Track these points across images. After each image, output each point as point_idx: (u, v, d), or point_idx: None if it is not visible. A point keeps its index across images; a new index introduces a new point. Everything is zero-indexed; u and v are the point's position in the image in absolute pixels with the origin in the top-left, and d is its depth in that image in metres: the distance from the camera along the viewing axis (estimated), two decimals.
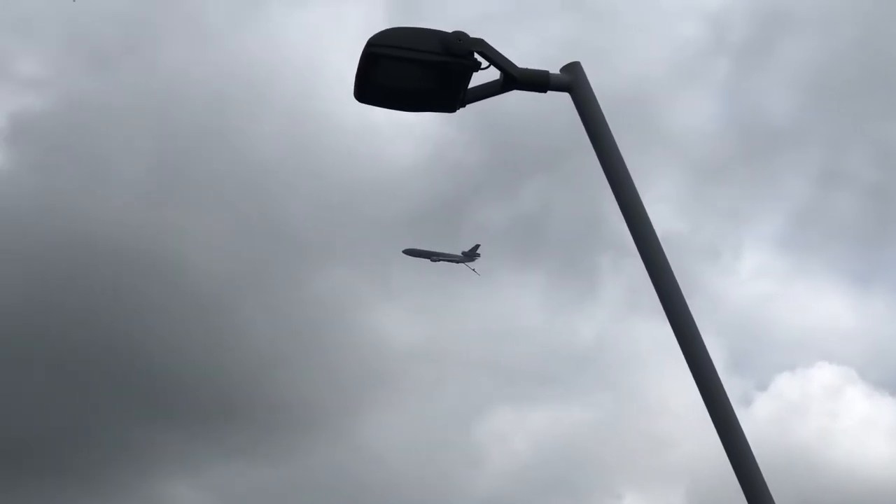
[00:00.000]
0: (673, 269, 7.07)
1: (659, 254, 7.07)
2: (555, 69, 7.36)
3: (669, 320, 6.99)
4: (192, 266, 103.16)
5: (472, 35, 7.08)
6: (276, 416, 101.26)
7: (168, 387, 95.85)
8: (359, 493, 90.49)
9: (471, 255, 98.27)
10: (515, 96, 7.36)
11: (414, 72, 7.12)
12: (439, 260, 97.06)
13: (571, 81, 7.32)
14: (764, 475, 6.74)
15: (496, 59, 7.13)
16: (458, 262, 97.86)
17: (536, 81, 7.27)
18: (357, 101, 7.29)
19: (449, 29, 7.10)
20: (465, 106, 7.36)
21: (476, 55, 7.08)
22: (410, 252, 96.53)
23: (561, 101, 7.36)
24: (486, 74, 7.21)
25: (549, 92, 7.31)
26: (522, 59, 7.23)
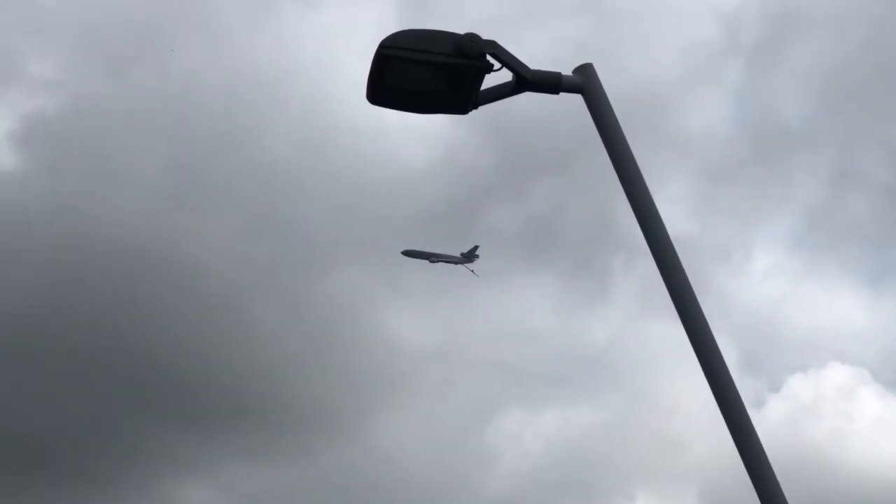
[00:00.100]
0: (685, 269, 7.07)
1: (671, 254, 7.07)
2: (567, 71, 7.38)
3: (682, 321, 6.99)
4: (205, 268, 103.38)
5: (484, 37, 7.09)
6: (288, 416, 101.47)
7: (180, 388, 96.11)
8: (371, 493, 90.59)
9: (469, 257, 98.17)
10: (527, 98, 7.37)
11: (426, 74, 7.13)
12: (438, 261, 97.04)
13: (584, 83, 7.33)
14: (777, 476, 6.74)
15: (508, 60, 7.14)
16: (456, 263, 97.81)
17: (549, 83, 7.28)
18: (370, 104, 7.32)
19: (461, 31, 7.11)
20: (477, 108, 7.36)
21: (488, 57, 7.09)
22: (409, 253, 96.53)
23: (573, 103, 7.37)
24: (499, 76, 7.22)
25: (561, 94, 7.32)
26: (534, 60, 7.24)
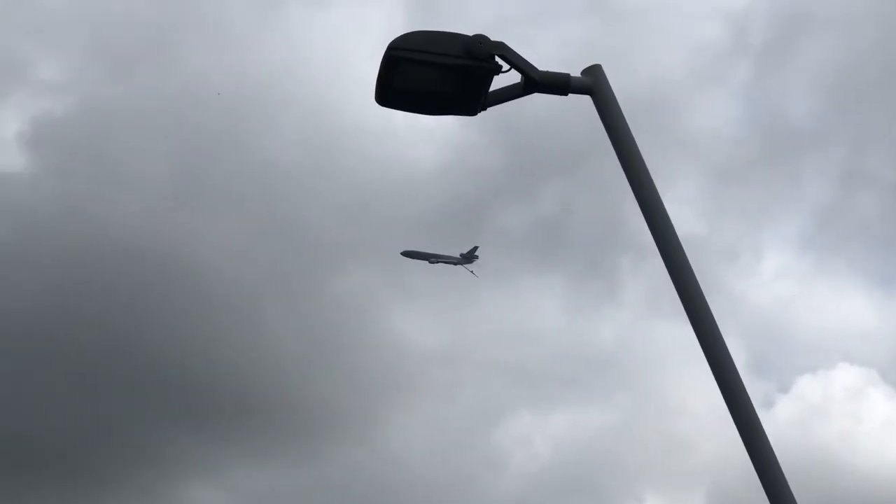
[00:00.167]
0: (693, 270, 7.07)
1: (680, 254, 7.06)
2: (576, 72, 7.38)
3: (691, 321, 6.98)
4: (212, 269, 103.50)
5: (492, 38, 7.09)
6: (294, 417, 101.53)
7: (188, 390, 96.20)
8: (378, 494, 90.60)
9: (469, 258, 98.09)
10: (536, 99, 7.37)
11: (435, 75, 7.12)
12: (437, 262, 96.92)
13: (592, 84, 7.33)
14: (786, 477, 6.73)
15: (517, 62, 7.14)
16: (456, 263, 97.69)
17: (557, 84, 7.28)
18: (378, 105, 7.32)
19: (470, 32, 7.11)
20: (485, 109, 7.36)
21: (497, 58, 7.09)
22: (409, 254, 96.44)
23: (582, 104, 7.37)
24: (508, 77, 7.22)
25: (570, 95, 7.32)
26: (543, 62, 7.24)
